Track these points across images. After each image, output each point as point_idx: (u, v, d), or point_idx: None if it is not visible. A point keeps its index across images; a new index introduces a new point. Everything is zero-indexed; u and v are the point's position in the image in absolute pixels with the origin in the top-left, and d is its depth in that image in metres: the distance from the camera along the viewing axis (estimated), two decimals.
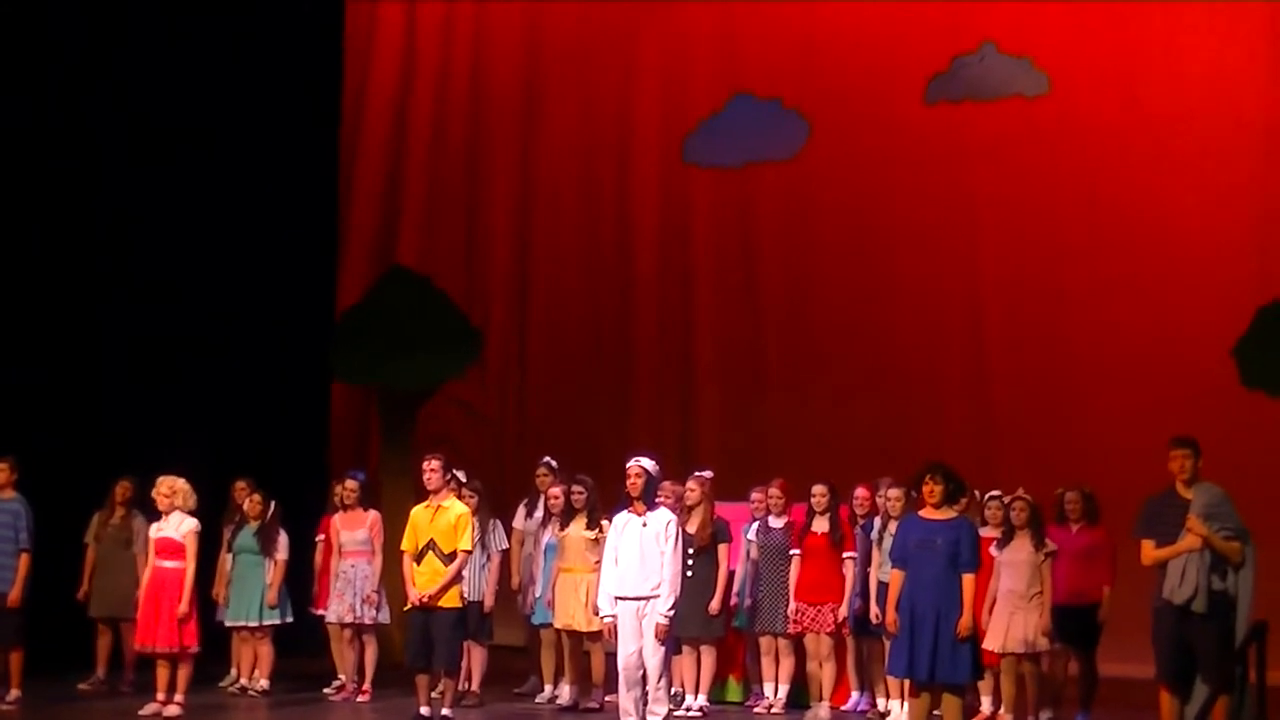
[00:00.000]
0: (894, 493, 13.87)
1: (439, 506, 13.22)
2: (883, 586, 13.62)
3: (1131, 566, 12.61)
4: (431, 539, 13.11)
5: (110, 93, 18.26)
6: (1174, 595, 11.17)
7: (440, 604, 13.02)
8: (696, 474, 14.64)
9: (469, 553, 13.34)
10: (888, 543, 13.69)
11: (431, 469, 13.29)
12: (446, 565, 13.04)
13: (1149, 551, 11.36)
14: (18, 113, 17.74)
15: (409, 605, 13.17)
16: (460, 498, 14.09)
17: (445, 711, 13.14)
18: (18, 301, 17.61)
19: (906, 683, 12.67)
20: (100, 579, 15.55)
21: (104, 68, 18.20)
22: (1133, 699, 13.78)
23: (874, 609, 13.77)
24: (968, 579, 11.73)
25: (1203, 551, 11.12)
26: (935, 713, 11.95)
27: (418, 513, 13.31)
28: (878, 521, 14.08)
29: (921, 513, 11.90)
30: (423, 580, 13.07)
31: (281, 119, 19.26)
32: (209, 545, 14.63)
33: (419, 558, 13.12)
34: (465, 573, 13.76)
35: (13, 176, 17.68)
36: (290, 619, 15.35)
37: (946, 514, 11.86)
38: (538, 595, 14.98)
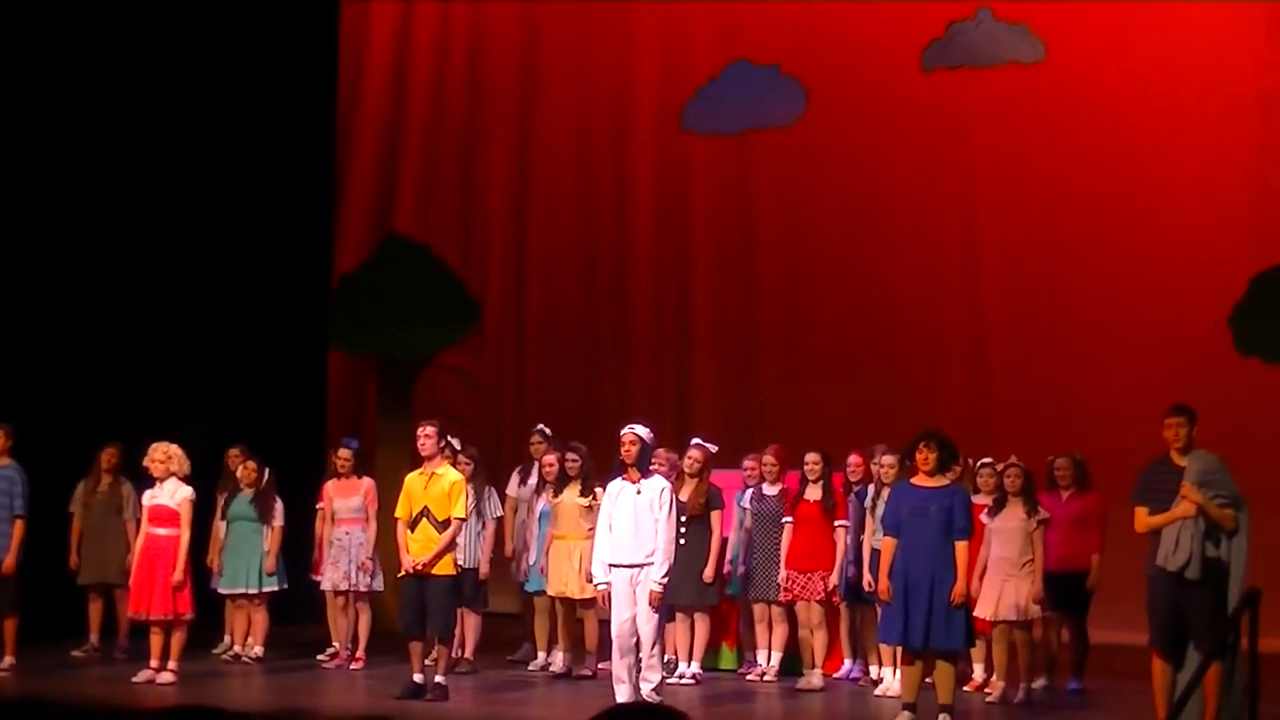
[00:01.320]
0: (888, 459, 13.85)
1: (433, 474, 13.24)
2: (876, 554, 13.63)
3: (1122, 533, 12.63)
4: (425, 506, 13.14)
5: (108, 73, 18.19)
6: (1168, 562, 11.18)
7: (434, 571, 13.04)
8: (700, 443, 14.60)
9: (463, 520, 13.36)
10: (881, 510, 13.69)
11: (426, 435, 13.31)
12: (440, 532, 13.07)
13: (1142, 518, 11.37)
14: (21, 86, 17.71)
15: (402, 572, 13.19)
16: (455, 465, 14.10)
17: (439, 679, 13.17)
18: (10, 267, 17.57)
19: (899, 650, 12.69)
20: (90, 546, 15.55)
21: (106, 50, 18.15)
22: (1124, 666, 13.79)
23: (867, 576, 13.76)
24: (961, 546, 11.77)
25: (1197, 519, 11.13)
26: (927, 680, 11.98)
27: (411, 480, 13.33)
28: (871, 489, 14.07)
29: (914, 480, 11.91)
30: (416, 547, 13.10)
31: (279, 88, 19.21)
32: (202, 512, 14.61)
33: (413, 525, 13.16)
34: (460, 540, 13.78)
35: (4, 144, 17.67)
36: (286, 586, 15.37)
37: (939, 481, 11.89)
38: (531, 562, 15.01)
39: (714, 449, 14.63)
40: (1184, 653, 11.25)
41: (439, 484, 13.20)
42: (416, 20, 20.52)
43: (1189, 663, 11.18)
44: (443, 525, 13.09)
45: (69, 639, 15.52)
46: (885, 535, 11.93)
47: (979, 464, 13.93)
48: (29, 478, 14.59)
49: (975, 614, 12.72)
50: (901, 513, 11.80)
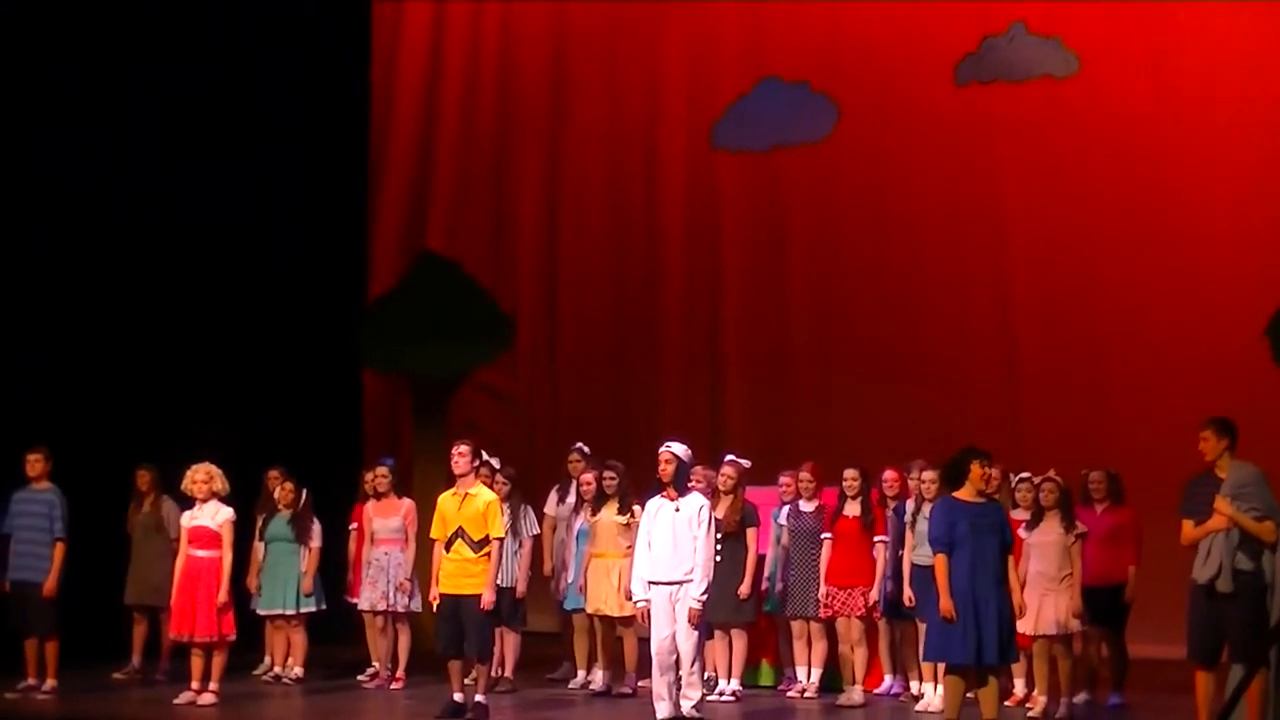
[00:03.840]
0: (929, 475, 13.83)
1: (466, 494, 13.18)
2: (915, 569, 13.64)
3: (1159, 547, 12.63)
4: (460, 526, 13.08)
5: (142, 83, 18.33)
6: (1198, 574, 11.17)
7: (469, 591, 13.01)
8: (733, 459, 14.62)
9: (502, 540, 13.33)
10: (921, 525, 13.67)
11: (460, 454, 13.27)
12: (475, 552, 13.01)
13: (1187, 531, 11.34)
14: (48, 103, 17.84)
15: (432, 597, 13.22)
16: (493, 484, 14.13)
17: (479, 698, 13.14)
18: (48, 291, 17.68)
19: (940, 666, 12.67)
20: (133, 567, 15.62)
21: (136, 59, 18.26)
22: (1165, 679, 13.76)
23: (908, 592, 13.76)
24: (1011, 560, 11.80)
25: (1229, 531, 11.09)
26: (968, 695, 11.94)
27: (445, 500, 13.28)
28: (910, 504, 14.06)
29: (961, 496, 11.82)
30: (451, 567, 13.05)
31: (311, 107, 19.30)
32: (240, 534, 14.58)
33: (447, 545, 13.13)
34: None
35: (41, 167, 17.76)
36: (324, 606, 15.38)
37: (982, 497, 11.87)
38: (570, 581, 15.01)
39: (747, 464, 14.64)
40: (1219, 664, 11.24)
41: (473, 504, 13.16)
42: (447, 41, 20.62)
43: (1231, 676, 11.16)
44: (478, 545, 13.05)
45: (110, 661, 15.58)
46: (938, 552, 11.81)
47: (1017, 479, 13.88)
48: (68, 500, 14.60)
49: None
50: (960, 529, 11.70)
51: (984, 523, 11.64)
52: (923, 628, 13.39)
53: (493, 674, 14.20)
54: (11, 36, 17.62)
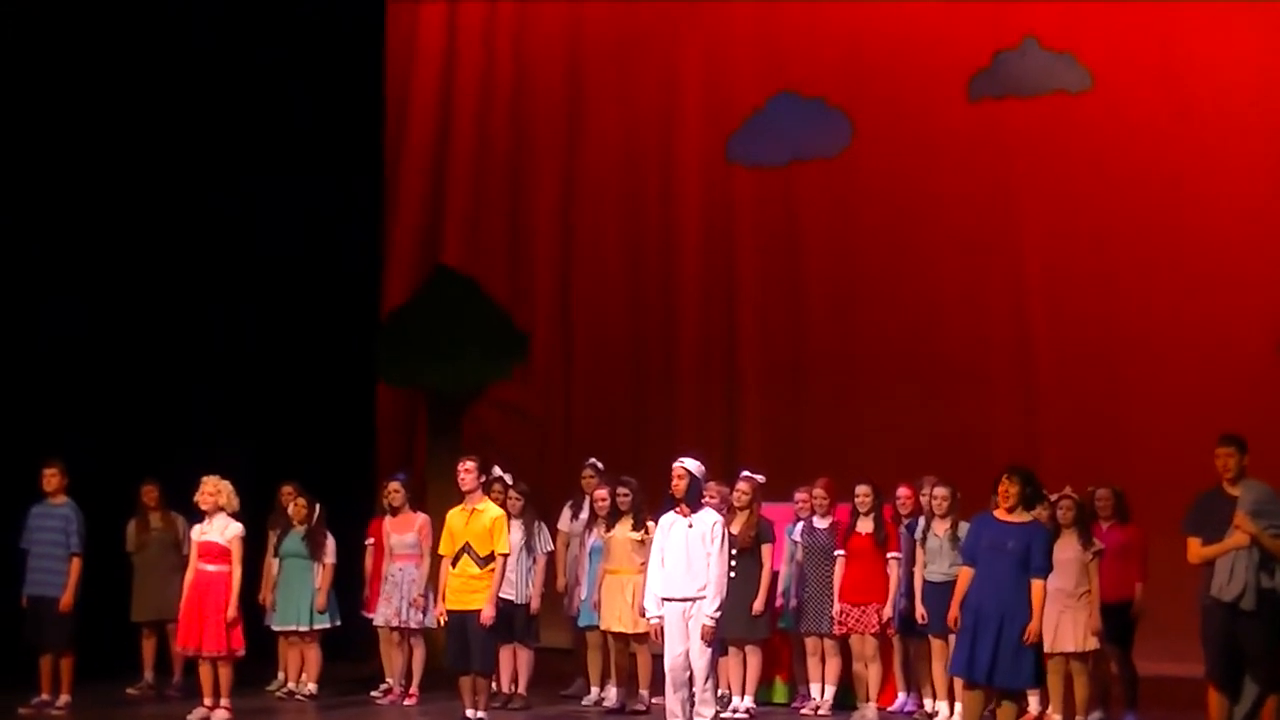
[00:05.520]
0: (940, 491, 13.86)
1: (474, 509, 13.15)
2: (928, 585, 13.65)
3: (1168, 564, 12.59)
4: (467, 542, 13.05)
5: (152, 91, 18.38)
6: (1222, 593, 11.14)
7: (474, 606, 12.99)
8: (748, 475, 14.61)
9: (506, 556, 13.28)
10: (931, 542, 13.74)
11: (466, 470, 13.22)
12: (481, 568, 12.98)
13: (1195, 549, 11.33)
14: (56, 114, 17.91)
15: (441, 612, 13.19)
16: (507, 499, 14.11)
17: (481, 714, 13.07)
18: (60, 304, 17.70)
19: (957, 682, 12.64)
20: (145, 583, 15.65)
21: (144, 66, 18.33)
22: (1176, 697, 13.71)
23: (919, 608, 13.76)
24: (1037, 584, 11.62)
25: (1251, 549, 11.09)
26: (987, 711, 11.91)
27: (453, 516, 13.24)
28: (922, 521, 14.06)
29: (996, 513, 11.81)
30: (457, 583, 13.04)
31: (326, 121, 19.32)
32: (253, 549, 14.58)
33: (454, 561, 13.12)
34: (511, 575, 13.77)
35: (50, 177, 17.82)
36: (338, 623, 15.38)
37: (1021, 517, 11.78)
38: (584, 597, 15.00)
39: (761, 480, 14.64)
40: (1240, 684, 11.20)
41: (480, 520, 13.13)
42: (461, 56, 20.61)
43: (1245, 694, 11.14)
44: (484, 561, 13.02)
45: (123, 677, 15.59)
46: (963, 564, 11.81)
47: None
48: (84, 515, 14.61)
49: None
50: (980, 545, 11.69)
51: (1002, 543, 11.57)
52: (936, 644, 13.45)
53: (506, 690, 14.17)
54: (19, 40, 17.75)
